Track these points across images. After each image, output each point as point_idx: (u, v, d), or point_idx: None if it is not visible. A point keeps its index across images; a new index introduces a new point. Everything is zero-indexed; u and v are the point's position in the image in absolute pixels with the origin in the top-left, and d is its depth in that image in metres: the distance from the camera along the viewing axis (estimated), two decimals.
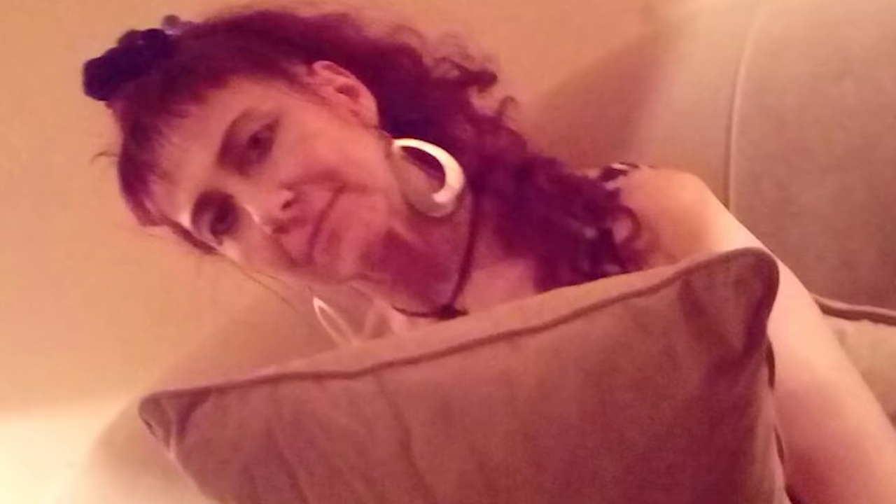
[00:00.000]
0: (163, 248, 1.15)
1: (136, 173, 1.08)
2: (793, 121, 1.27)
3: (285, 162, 1.05)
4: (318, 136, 1.06)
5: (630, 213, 1.07)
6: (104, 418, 1.56)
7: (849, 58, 1.26)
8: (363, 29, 1.15)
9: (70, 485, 1.59)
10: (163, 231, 1.13)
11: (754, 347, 0.80)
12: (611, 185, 1.10)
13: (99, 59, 1.10)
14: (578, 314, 0.82)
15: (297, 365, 0.86)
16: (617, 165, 1.13)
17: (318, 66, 1.12)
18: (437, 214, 1.11)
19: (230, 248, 1.09)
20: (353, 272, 1.07)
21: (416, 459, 0.81)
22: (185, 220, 1.08)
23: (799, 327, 1.01)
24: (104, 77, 1.09)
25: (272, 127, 1.05)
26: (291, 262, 1.07)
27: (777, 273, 0.80)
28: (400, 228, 1.09)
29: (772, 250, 0.83)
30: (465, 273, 1.13)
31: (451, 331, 0.85)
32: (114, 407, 1.54)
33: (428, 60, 1.16)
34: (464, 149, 1.12)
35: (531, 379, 0.81)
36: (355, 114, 1.11)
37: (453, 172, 1.11)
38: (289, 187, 1.04)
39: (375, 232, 1.05)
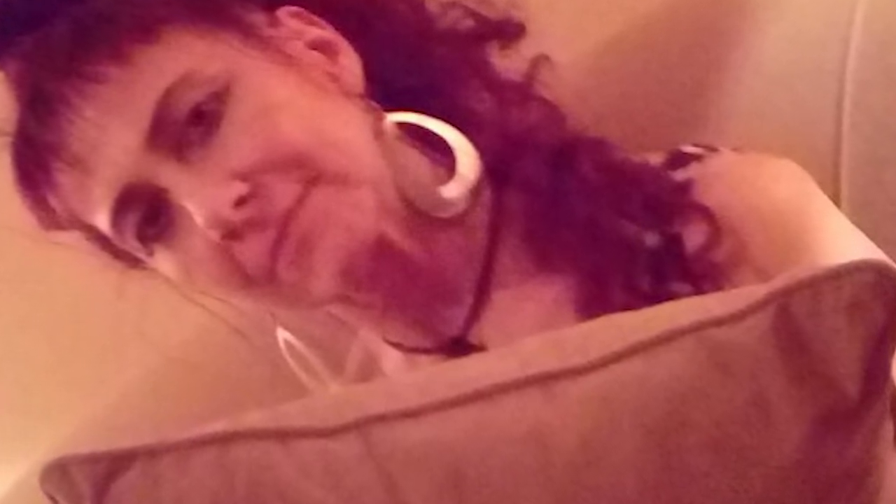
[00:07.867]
0: (73, 260, 1.15)
1: (36, 159, 1.08)
2: None
3: (238, 143, 1.05)
4: (282, 108, 1.07)
5: (706, 213, 1.08)
6: None
7: None
8: None
9: None
10: (72, 237, 1.14)
11: (874, 395, 0.80)
12: (680, 175, 1.11)
13: None
14: (636, 350, 0.82)
15: (254, 419, 0.86)
16: (688, 149, 1.14)
17: (284, 13, 1.13)
18: (445, 214, 1.12)
19: (163, 261, 1.10)
20: (330, 293, 1.07)
21: None
22: (102, 221, 1.09)
23: None
24: None
25: (221, 96, 1.06)
26: (247, 280, 1.07)
27: None
28: (394, 234, 1.09)
29: None
30: (482, 294, 1.13)
31: (464, 372, 0.86)
32: (7, 476, 1.54)
33: (432, 6, 1.16)
34: (481, 126, 1.13)
35: (572, 437, 0.81)
36: (334, 78, 1.11)
37: (466, 158, 1.11)
38: (243, 178, 1.05)
39: (361, 238, 1.06)
